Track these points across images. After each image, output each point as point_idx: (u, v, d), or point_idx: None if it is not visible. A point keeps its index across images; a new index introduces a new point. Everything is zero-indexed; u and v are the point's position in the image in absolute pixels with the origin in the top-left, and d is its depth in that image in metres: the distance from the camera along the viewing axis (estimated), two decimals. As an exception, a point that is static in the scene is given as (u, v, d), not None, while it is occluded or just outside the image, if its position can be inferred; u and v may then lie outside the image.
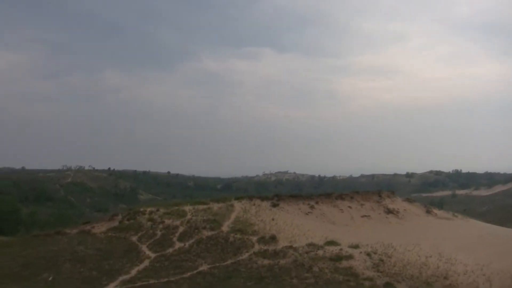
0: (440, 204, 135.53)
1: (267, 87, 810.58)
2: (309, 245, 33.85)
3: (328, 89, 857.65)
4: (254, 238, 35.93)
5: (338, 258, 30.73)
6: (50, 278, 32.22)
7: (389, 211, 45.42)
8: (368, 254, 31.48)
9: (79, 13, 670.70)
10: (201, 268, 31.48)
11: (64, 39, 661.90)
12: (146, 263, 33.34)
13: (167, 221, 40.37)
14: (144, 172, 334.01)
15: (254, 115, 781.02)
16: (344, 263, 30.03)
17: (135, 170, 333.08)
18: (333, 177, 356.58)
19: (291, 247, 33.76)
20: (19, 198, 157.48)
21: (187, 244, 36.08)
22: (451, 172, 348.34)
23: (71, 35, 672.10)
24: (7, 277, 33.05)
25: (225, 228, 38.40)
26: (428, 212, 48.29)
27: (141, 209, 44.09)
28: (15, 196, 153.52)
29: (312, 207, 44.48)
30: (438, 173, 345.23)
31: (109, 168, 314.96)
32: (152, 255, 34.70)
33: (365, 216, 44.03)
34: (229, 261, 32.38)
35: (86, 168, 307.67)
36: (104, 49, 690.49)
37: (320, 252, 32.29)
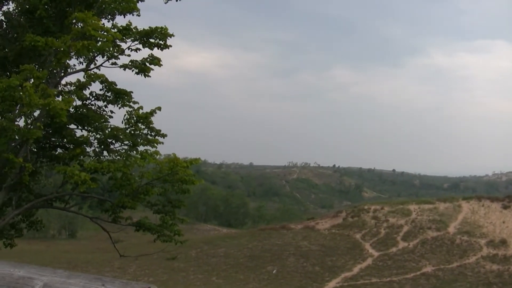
0: None
1: (500, 82, 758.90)
2: (545, 251, 31.37)
3: None
4: (482, 241, 34.20)
5: None
6: (274, 271, 33.92)
7: None
8: None
9: (307, 13, 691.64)
10: (425, 270, 30.84)
11: (295, 39, 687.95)
12: (369, 261, 33.53)
13: (391, 220, 40.13)
14: (369, 170, 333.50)
15: (484, 111, 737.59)
16: None
17: (360, 167, 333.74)
18: None
19: (524, 252, 31.58)
20: (247, 192, 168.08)
21: (411, 244, 35.56)
22: None
23: (301, 35, 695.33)
24: (233, 267, 35.52)
25: (451, 229, 37.11)
26: None
27: (366, 207, 44.36)
28: (243, 191, 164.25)
29: (549, 210, 41.01)
30: None
31: (334, 165, 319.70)
32: (375, 253, 34.76)
33: None
34: (454, 264, 31.27)
35: (312, 164, 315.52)
36: (333, 46, 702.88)
37: (558, 260, 29.74)
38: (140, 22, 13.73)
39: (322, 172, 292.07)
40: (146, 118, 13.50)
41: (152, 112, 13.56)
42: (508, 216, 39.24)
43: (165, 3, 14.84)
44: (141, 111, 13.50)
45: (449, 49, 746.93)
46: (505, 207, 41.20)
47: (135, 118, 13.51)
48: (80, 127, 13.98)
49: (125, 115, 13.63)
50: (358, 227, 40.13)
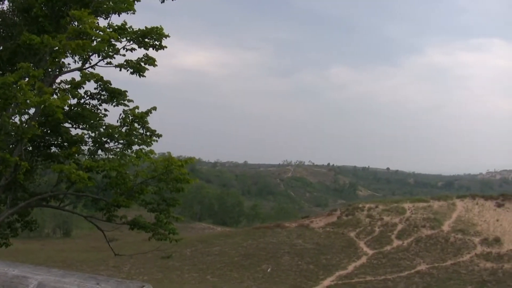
0: None
1: (498, 80, 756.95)
2: (539, 250, 31.52)
3: None
4: (477, 239, 34.35)
5: None
6: (268, 270, 34.01)
7: None
8: None
9: (306, 11, 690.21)
10: (419, 268, 30.97)
11: (293, 37, 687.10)
12: (363, 259, 33.63)
13: (386, 218, 40.24)
14: (364, 168, 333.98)
15: (478, 110, 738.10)
16: None
17: (355, 166, 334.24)
18: None
19: (517, 251, 31.71)
20: (242, 191, 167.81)
21: (405, 242, 35.68)
22: None
23: (300, 33, 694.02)
24: (228, 265, 35.58)
25: (445, 227, 37.25)
26: None
27: (360, 205, 44.46)
28: (238, 190, 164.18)
29: (542, 208, 41.15)
30: None
31: (329, 164, 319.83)
32: (370, 251, 34.88)
33: None
34: (448, 262, 31.40)
35: (306, 163, 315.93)
36: (331, 45, 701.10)
37: (551, 258, 29.90)
38: (137, 21, 13.73)
39: (316, 170, 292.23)
40: (142, 118, 13.53)
41: (148, 112, 13.59)
42: (502, 214, 39.39)
43: (162, 2, 14.85)
44: (137, 110, 13.52)
45: (446, 48, 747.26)
46: (499, 206, 41.37)
47: (130, 118, 13.53)
48: (75, 126, 13.97)
49: (120, 114, 13.66)
50: (353, 226, 40.24)
